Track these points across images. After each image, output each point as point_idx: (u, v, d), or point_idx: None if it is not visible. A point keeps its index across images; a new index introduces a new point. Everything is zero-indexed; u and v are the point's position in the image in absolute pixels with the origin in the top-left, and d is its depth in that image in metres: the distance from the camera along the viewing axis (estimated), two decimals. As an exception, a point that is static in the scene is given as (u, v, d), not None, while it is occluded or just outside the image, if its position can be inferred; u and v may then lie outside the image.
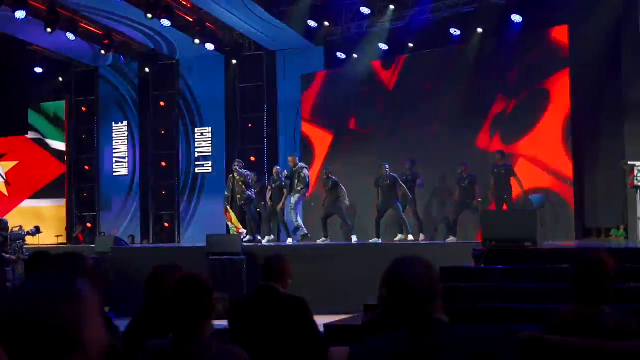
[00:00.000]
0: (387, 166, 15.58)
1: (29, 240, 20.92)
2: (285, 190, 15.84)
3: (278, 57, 21.28)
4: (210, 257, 13.46)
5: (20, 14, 17.45)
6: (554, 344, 3.86)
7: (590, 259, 4.27)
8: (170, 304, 3.41)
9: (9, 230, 14.07)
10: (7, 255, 13.49)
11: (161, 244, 19.74)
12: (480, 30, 17.44)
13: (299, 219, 15.54)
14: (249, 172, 16.43)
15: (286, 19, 18.69)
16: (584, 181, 16.61)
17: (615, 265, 4.15)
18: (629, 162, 11.78)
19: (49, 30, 18.45)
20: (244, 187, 16.16)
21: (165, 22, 18.40)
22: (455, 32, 17.84)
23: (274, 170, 16.74)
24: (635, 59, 15.92)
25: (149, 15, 17.80)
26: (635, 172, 11.47)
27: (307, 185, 15.65)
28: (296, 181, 15.52)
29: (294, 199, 15.46)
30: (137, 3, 17.91)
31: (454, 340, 2.80)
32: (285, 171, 16.27)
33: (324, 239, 15.80)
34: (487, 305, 8.15)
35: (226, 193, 16.55)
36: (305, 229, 15.47)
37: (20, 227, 14.32)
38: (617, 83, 16.13)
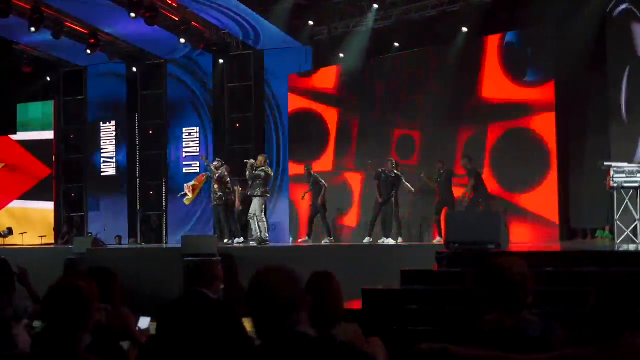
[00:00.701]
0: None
1: (13, 240, 20.94)
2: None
3: (266, 56, 21.13)
4: (185, 258, 13.30)
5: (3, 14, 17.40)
6: (459, 355, 3.69)
7: (491, 265, 4.12)
8: (42, 314, 3.26)
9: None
10: None
11: (138, 245, 19.61)
12: (465, 29, 17.26)
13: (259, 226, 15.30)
14: (223, 172, 16.20)
15: (271, 17, 18.52)
16: (570, 182, 16.42)
17: (530, 270, 4.00)
18: (606, 163, 11.58)
19: (33, 29, 18.34)
20: (215, 186, 16.06)
21: (150, 22, 18.27)
22: (440, 31, 17.65)
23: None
24: (620, 59, 15.72)
25: (132, 15, 17.66)
26: (612, 173, 11.29)
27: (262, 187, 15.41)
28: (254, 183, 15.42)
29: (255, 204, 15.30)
30: (120, 2, 17.75)
31: (314, 356, 2.66)
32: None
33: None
34: (446, 309, 8.01)
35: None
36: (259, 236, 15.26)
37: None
38: (603, 82, 15.94)
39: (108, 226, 22.07)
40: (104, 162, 22.86)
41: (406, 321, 7.97)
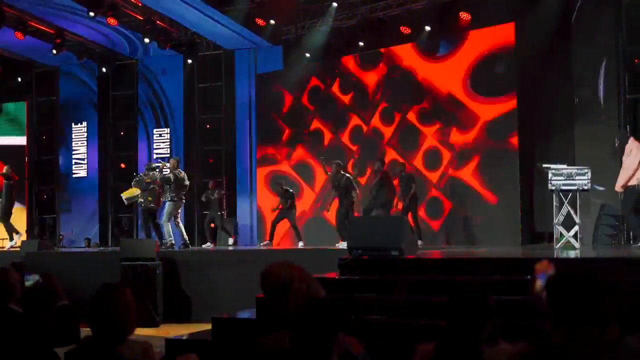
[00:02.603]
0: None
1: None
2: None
3: (236, 56, 20.83)
4: (123, 263, 12.99)
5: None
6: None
7: (263, 273, 3.81)
8: None
9: None
10: None
11: (76, 249, 19.32)
12: (428, 28, 16.89)
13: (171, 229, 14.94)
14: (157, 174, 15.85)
15: (236, 16, 18.21)
16: (534, 184, 15.97)
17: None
18: (544, 165, 11.16)
19: (-6, 29, 18.11)
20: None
21: (112, 21, 18.03)
22: (405, 30, 17.28)
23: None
24: (585, 58, 15.32)
25: (92, 14, 17.39)
26: (549, 175, 10.87)
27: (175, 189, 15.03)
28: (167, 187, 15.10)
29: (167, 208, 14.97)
30: (80, 1, 17.49)
31: None
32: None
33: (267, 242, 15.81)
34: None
35: None
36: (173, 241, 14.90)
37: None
38: (568, 83, 15.54)
39: (80, 228, 21.85)
40: (75, 163, 22.61)
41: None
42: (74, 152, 22.64)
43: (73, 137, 22.67)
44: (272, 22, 18.58)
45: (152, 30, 18.94)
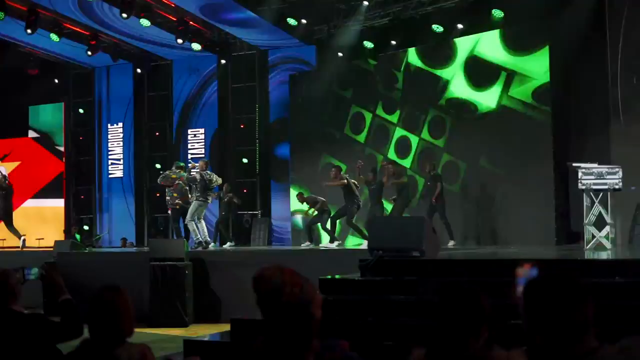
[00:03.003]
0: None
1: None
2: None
3: (270, 56, 20.83)
4: (152, 263, 13.02)
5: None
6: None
7: (254, 278, 3.73)
8: None
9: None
10: None
11: (109, 249, 19.44)
12: (460, 26, 16.71)
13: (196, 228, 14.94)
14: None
15: (268, 16, 18.17)
16: (569, 183, 15.68)
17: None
18: (574, 164, 10.93)
19: (29, 31, 18.30)
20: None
21: (145, 22, 18.13)
22: (437, 28, 17.11)
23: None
24: (621, 55, 15.02)
25: (124, 15, 17.49)
26: (579, 174, 10.65)
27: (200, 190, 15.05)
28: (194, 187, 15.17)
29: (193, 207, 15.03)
30: (112, 2, 17.60)
31: None
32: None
33: (308, 243, 15.67)
34: (368, 320, 7.55)
35: None
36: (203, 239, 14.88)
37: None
38: (603, 82, 15.23)
39: (116, 228, 22.03)
40: (112, 163, 22.79)
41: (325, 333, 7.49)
42: (110, 153, 22.83)
43: (109, 137, 22.84)
44: (304, 21, 18.49)
45: (184, 31, 18.99)
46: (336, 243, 14.94)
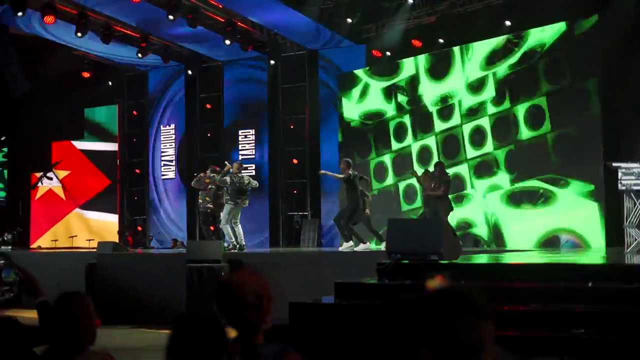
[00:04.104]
0: None
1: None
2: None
3: (320, 56, 20.69)
4: (188, 264, 13.00)
5: (49, 19, 17.64)
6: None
7: (222, 284, 3.60)
8: None
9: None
10: None
11: (148, 251, 19.51)
12: (508, 23, 16.31)
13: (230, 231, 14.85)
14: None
15: (315, 16, 18.05)
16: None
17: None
18: (614, 164, 10.52)
19: (79, 34, 18.54)
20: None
21: (192, 24, 18.17)
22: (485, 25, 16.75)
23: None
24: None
25: (171, 17, 17.55)
26: (619, 174, 10.25)
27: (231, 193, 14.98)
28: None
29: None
30: (158, 4, 17.66)
31: None
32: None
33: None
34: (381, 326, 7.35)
35: None
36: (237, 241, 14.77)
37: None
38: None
39: (169, 229, 22.16)
40: (164, 165, 22.94)
41: (337, 339, 7.35)
42: (162, 154, 22.98)
43: (162, 139, 23.00)
44: (349, 20, 18.31)
45: (233, 32, 18.99)
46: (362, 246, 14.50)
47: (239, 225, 14.93)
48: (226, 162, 15.87)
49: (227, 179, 14.87)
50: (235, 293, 3.45)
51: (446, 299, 2.24)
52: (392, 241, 7.95)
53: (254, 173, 21.23)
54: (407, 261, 7.92)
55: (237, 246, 14.56)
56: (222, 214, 14.90)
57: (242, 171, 15.79)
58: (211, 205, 15.79)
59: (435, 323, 2.19)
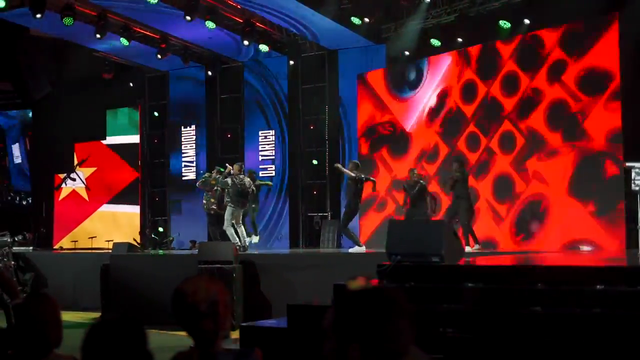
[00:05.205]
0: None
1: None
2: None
3: (340, 56, 20.57)
4: (199, 266, 12.95)
5: (68, 21, 17.69)
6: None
7: (175, 291, 3.50)
8: None
9: None
10: None
11: (160, 251, 19.47)
12: (527, 21, 16.09)
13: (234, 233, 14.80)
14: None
15: (333, 16, 17.93)
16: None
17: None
18: (628, 164, 10.30)
19: (98, 36, 18.59)
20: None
21: (210, 25, 18.14)
22: (504, 24, 16.51)
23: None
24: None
25: (188, 18, 17.53)
26: (633, 174, 10.03)
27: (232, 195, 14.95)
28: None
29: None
30: (177, 5, 17.66)
31: None
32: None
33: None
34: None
35: None
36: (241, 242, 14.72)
37: (5, 233, 14.38)
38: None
39: (189, 230, 22.11)
40: (185, 166, 22.96)
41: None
42: (183, 155, 22.99)
43: (183, 140, 23.01)
44: (367, 20, 18.18)
45: (251, 33, 18.92)
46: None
47: (242, 227, 14.90)
48: (227, 164, 15.84)
49: (228, 180, 14.87)
50: (188, 301, 3.36)
51: (371, 299, 2.31)
52: (392, 243, 7.81)
53: (273, 174, 21.20)
54: (407, 263, 7.76)
55: (241, 247, 14.54)
56: (224, 216, 14.87)
57: (244, 173, 15.71)
58: (215, 207, 15.78)
59: (362, 323, 2.26)
